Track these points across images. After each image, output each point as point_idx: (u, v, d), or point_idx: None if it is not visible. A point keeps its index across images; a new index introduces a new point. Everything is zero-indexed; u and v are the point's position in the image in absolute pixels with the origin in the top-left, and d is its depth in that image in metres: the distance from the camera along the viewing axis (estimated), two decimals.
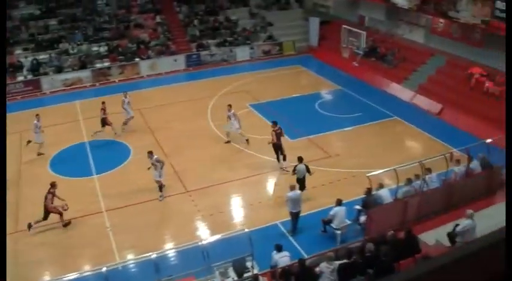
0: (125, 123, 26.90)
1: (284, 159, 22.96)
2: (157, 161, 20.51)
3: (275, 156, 22.92)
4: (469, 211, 15.25)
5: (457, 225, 15.39)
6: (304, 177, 20.24)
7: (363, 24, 39.71)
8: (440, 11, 30.38)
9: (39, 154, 24.59)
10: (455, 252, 4.07)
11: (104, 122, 25.93)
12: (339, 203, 17.62)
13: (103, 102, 26.12)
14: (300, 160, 20.32)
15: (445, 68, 32.03)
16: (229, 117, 25.10)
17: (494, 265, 4.03)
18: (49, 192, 18.85)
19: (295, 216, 18.34)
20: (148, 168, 20.72)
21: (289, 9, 46.25)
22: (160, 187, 20.81)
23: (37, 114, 24.69)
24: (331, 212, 17.70)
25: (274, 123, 23.16)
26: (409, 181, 18.57)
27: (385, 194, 18.04)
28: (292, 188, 18.25)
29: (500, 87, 27.22)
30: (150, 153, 20.78)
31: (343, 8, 43.85)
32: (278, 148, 22.90)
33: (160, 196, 20.82)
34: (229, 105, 25.24)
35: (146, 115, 28.95)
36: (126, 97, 27.18)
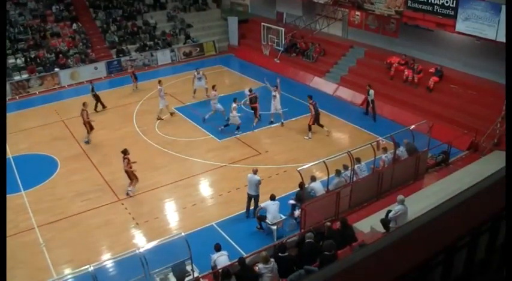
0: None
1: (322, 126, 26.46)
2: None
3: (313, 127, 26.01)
4: (400, 197, 15.72)
5: (389, 211, 15.85)
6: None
7: (282, 20, 40.14)
8: (355, 3, 31.07)
9: None
10: (388, 238, 4.27)
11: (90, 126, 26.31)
12: (272, 198, 17.88)
13: (84, 103, 26.40)
14: (370, 86, 27.52)
15: (364, 59, 32.87)
16: (274, 97, 27.41)
17: (426, 245, 4.26)
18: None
19: (249, 198, 19.14)
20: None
21: (207, 10, 46.23)
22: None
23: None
24: (262, 205, 18.01)
25: (310, 97, 26.32)
26: (338, 172, 18.96)
27: (318, 187, 18.39)
28: (255, 172, 18.98)
29: (418, 75, 28.15)
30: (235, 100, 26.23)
31: (260, 5, 44.23)
32: (316, 120, 26.01)
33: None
34: (275, 86, 27.73)
35: (71, 126, 28.34)
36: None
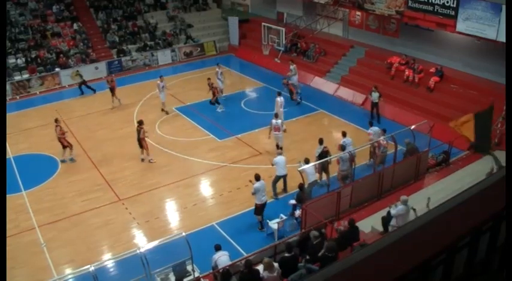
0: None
1: None
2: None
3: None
4: (404, 197, 15.77)
5: (389, 212, 15.88)
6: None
7: (282, 20, 40.10)
8: (356, 3, 31.08)
9: None
10: (388, 238, 4.27)
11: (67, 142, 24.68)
12: (258, 179, 18.25)
13: (56, 120, 24.75)
14: (376, 88, 27.09)
15: (365, 59, 32.86)
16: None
17: (426, 245, 4.26)
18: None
19: (279, 180, 20.37)
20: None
21: (207, 10, 46.22)
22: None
23: None
24: (253, 190, 18.25)
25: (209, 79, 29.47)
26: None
27: (310, 169, 18.77)
28: (279, 153, 20.31)
29: (419, 75, 28.14)
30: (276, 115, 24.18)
31: (261, 5, 44.22)
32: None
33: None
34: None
35: (71, 126, 28.27)
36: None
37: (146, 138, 23.78)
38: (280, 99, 26.36)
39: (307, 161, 19.03)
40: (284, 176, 20.31)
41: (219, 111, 29.31)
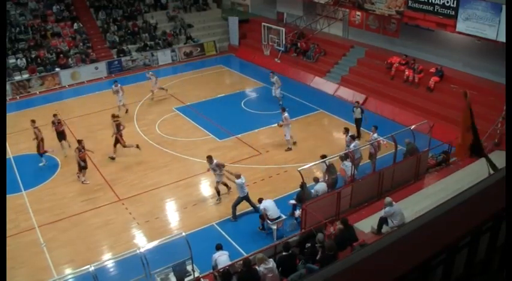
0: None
1: None
2: (217, 165, 20.21)
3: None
4: (387, 199, 16.00)
5: (381, 218, 16.04)
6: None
7: (282, 20, 40.10)
8: (356, 3, 31.09)
9: None
10: (389, 238, 4.27)
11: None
12: (260, 202, 18.16)
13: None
14: (358, 103, 25.58)
15: (365, 59, 32.84)
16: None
17: (426, 245, 4.26)
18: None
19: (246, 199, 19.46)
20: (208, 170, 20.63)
21: (207, 10, 46.17)
22: (218, 192, 20.53)
23: None
24: (261, 207, 17.99)
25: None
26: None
27: (322, 188, 18.38)
28: (238, 177, 19.04)
29: (419, 75, 28.14)
30: (210, 158, 20.39)
31: (261, 5, 44.21)
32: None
33: (218, 199, 20.63)
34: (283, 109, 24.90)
35: (71, 126, 28.24)
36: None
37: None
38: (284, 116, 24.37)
39: (316, 180, 18.72)
40: (245, 197, 19.36)
41: (40, 166, 24.33)
